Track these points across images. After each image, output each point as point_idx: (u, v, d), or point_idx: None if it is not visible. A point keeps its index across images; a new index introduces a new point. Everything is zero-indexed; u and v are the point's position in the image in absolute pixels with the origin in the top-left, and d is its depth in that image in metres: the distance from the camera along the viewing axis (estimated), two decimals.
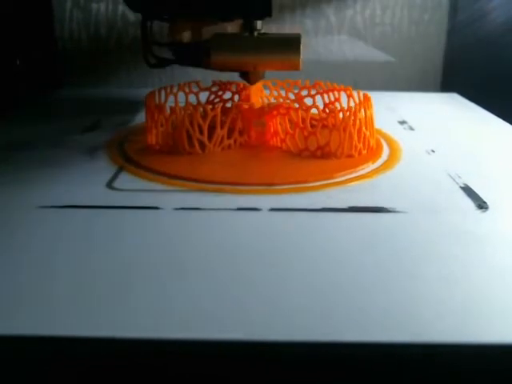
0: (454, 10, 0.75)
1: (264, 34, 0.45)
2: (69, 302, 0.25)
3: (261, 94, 0.48)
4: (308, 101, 0.49)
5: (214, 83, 0.52)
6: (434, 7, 0.75)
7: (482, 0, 0.72)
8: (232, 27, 0.48)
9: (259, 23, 0.45)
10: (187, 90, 0.50)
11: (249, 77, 0.47)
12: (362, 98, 0.46)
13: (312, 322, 0.24)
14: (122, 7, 0.75)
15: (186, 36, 0.48)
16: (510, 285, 0.27)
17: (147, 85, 0.76)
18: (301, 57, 0.44)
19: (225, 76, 0.53)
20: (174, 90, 0.45)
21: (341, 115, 0.42)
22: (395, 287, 0.26)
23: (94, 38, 0.76)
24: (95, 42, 0.76)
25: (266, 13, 0.44)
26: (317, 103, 0.45)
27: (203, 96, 0.52)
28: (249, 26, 0.45)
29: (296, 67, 0.44)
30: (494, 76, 0.69)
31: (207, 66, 0.46)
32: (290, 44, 0.44)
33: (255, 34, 0.45)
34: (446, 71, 0.76)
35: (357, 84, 0.49)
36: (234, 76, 0.49)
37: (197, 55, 0.47)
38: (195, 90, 0.51)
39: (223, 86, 0.51)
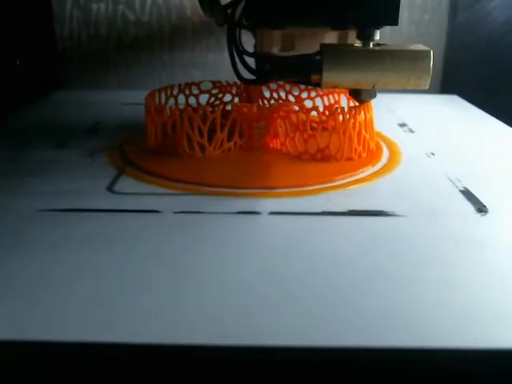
0: (454, 10, 0.75)
1: (382, 45, 0.39)
2: (68, 307, 0.25)
3: (261, 97, 0.48)
4: (308, 103, 0.49)
5: (215, 85, 0.52)
6: (433, 7, 0.75)
7: (482, 0, 0.72)
8: (329, 38, 0.43)
9: (378, 33, 0.39)
10: (187, 93, 0.50)
11: (360, 94, 0.41)
12: None
13: (311, 327, 0.24)
14: (122, 7, 0.74)
15: (278, 47, 0.43)
16: (509, 289, 0.27)
17: (147, 84, 0.76)
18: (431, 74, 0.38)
19: (224, 76, 0.54)
20: (174, 93, 0.45)
21: (340, 118, 0.42)
22: (395, 291, 0.26)
23: (93, 38, 0.76)
24: (95, 42, 0.76)
25: (392, 20, 0.37)
26: (317, 103, 0.45)
27: (203, 97, 0.52)
28: (366, 36, 0.39)
29: (424, 86, 0.39)
30: (494, 76, 0.69)
31: (316, 83, 0.40)
32: (420, 59, 0.38)
33: (371, 45, 0.39)
34: (445, 71, 0.76)
35: None
36: (233, 74, 0.49)
37: (304, 70, 0.40)
38: (195, 91, 0.51)
39: (223, 89, 0.51)
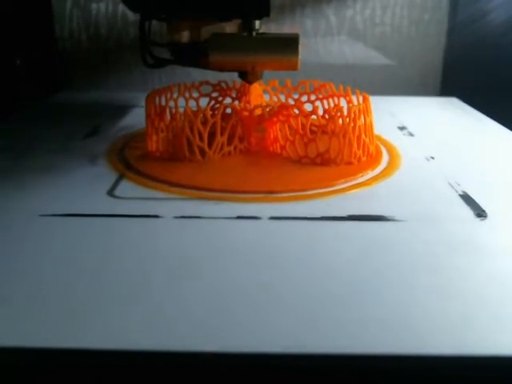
0: (454, 10, 0.75)
1: (262, 33, 0.45)
2: (66, 313, 0.25)
3: (261, 100, 0.48)
4: (308, 106, 0.49)
5: (215, 89, 0.52)
6: (433, 7, 0.75)
7: (482, 0, 0.72)
8: (231, 27, 0.48)
9: (257, 23, 0.45)
10: (187, 96, 0.50)
11: (247, 76, 0.47)
12: (360, 100, 0.46)
13: (307, 333, 0.24)
14: (122, 7, 0.74)
15: (185, 36, 0.48)
16: (508, 296, 0.27)
17: (147, 84, 0.76)
18: (299, 57, 0.44)
19: (224, 76, 0.53)
20: (174, 96, 0.45)
21: (340, 121, 0.42)
22: (394, 298, 0.26)
23: (93, 38, 0.76)
24: (95, 42, 0.76)
25: (264, 12, 0.44)
26: (317, 105, 0.45)
27: (203, 100, 0.52)
28: (247, 26, 0.45)
29: (294, 67, 0.44)
30: (495, 76, 0.69)
31: (206, 66, 0.46)
32: (289, 44, 0.44)
33: (253, 33, 0.45)
34: (445, 71, 0.76)
35: (356, 85, 0.49)
36: (234, 75, 0.49)
37: (195, 55, 0.47)
38: (195, 95, 0.51)
39: (223, 92, 0.51)
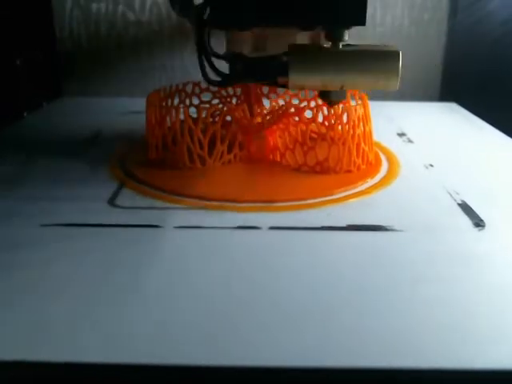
0: (453, 10, 0.75)
1: (351, 45, 0.39)
2: (66, 326, 0.25)
3: (261, 107, 0.48)
4: (308, 112, 0.49)
5: (215, 96, 0.52)
6: (433, 7, 0.75)
7: (482, 0, 0.72)
8: (301, 38, 0.43)
9: (346, 33, 0.38)
10: (188, 103, 0.50)
11: (330, 95, 0.40)
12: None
13: (305, 346, 0.24)
14: (122, 7, 0.74)
15: (249, 47, 0.42)
16: (505, 307, 0.27)
17: (147, 84, 0.76)
18: (399, 75, 0.38)
19: None
20: (175, 102, 0.45)
21: (339, 128, 0.42)
22: (392, 311, 0.27)
23: (94, 38, 0.76)
24: (95, 42, 0.76)
25: (359, 20, 0.36)
26: (318, 109, 0.45)
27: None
28: (333, 37, 0.38)
29: (393, 87, 0.38)
30: (494, 76, 0.69)
31: (284, 84, 0.39)
32: (388, 59, 0.37)
33: (340, 45, 0.38)
34: (446, 71, 0.76)
35: None
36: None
37: (269, 70, 0.40)
38: (195, 101, 0.51)
39: (223, 100, 0.51)
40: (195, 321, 0.26)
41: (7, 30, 0.62)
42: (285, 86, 0.39)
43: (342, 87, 0.38)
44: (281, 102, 0.52)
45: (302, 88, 0.40)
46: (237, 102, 0.51)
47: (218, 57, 0.42)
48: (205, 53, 0.41)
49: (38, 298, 0.27)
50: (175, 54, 0.76)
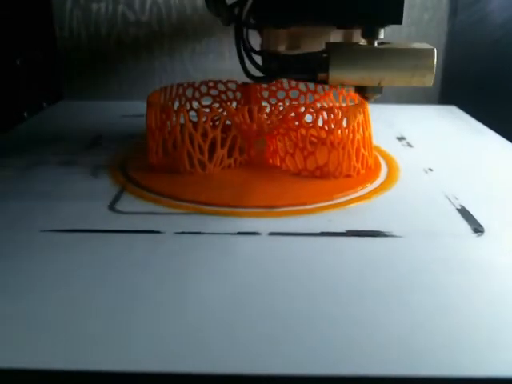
0: (453, 10, 0.75)
1: (386, 43, 0.40)
2: (66, 333, 0.25)
3: (262, 112, 0.48)
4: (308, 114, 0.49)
5: (215, 100, 0.52)
6: (433, 7, 0.75)
7: (482, 0, 0.72)
8: (335, 37, 0.44)
9: (382, 31, 0.40)
10: (188, 107, 0.50)
11: (366, 91, 0.42)
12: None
13: (303, 354, 0.24)
14: (122, 7, 0.74)
15: (285, 45, 0.44)
16: (501, 315, 0.27)
17: (147, 84, 0.76)
18: (434, 71, 0.39)
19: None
20: (175, 106, 0.45)
21: (339, 132, 0.43)
22: (391, 318, 0.27)
23: (93, 38, 0.76)
24: (95, 42, 0.76)
25: (396, 19, 0.38)
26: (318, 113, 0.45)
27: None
28: (370, 35, 0.40)
29: (428, 83, 0.40)
30: (495, 75, 0.69)
31: (323, 80, 0.41)
32: (425, 57, 0.39)
33: (375, 44, 0.40)
34: (446, 71, 0.76)
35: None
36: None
37: (311, 68, 0.41)
38: (195, 104, 0.51)
39: (224, 104, 0.51)
40: (193, 327, 0.26)
41: (7, 30, 0.62)
42: (324, 82, 0.41)
43: (379, 83, 0.40)
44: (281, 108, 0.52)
45: (341, 84, 0.41)
46: (237, 107, 0.51)
47: (256, 53, 0.44)
48: (245, 50, 0.43)
49: (37, 304, 0.28)
50: (175, 54, 0.76)
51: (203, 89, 0.53)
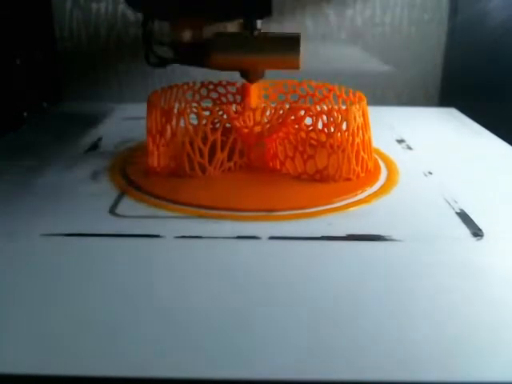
0: (454, 10, 0.75)
1: (264, 33, 0.46)
2: (66, 338, 0.25)
3: (263, 115, 0.48)
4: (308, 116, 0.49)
5: (215, 104, 0.52)
6: (433, 7, 0.75)
7: (482, 0, 0.72)
8: (232, 26, 0.49)
9: (259, 23, 0.46)
10: (188, 111, 0.50)
11: (249, 75, 0.48)
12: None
13: (302, 359, 0.24)
14: (122, 7, 0.74)
15: (187, 35, 0.48)
16: (499, 321, 0.27)
17: (147, 85, 0.76)
18: (300, 56, 0.44)
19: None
20: (175, 110, 0.45)
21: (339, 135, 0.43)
22: (391, 323, 0.27)
23: (94, 38, 0.76)
24: (95, 42, 0.76)
25: (266, 12, 0.45)
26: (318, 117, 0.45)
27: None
28: (249, 26, 0.46)
29: (296, 66, 0.45)
30: (494, 76, 0.69)
31: (208, 65, 0.47)
32: (290, 43, 0.45)
33: (255, 33, 0.46)
34: (445, 71, 0.76)
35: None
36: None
37: (198, 54, 0.47)
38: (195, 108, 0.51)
39: (224, 107, 0.51)
40: (192, 333, 0.26)
41: (7, 30, 0.62)
42: (209, 66, 0.47)
43: (255, 67, 0.47)
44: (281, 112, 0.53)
45: (223, 68, 0.47)
46: (236, 109, 0.50)
47: (160, 43, 0.50)
48: (147, 40, 0.50)
49: (38, 309, 0.28)
50: None
51: (203, 92, 0.53)
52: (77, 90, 0.77)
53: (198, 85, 0.53)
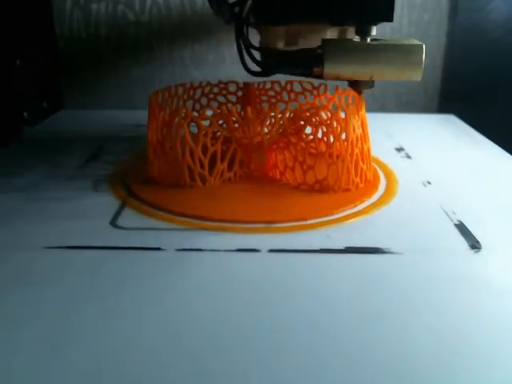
0: (454, 10, 0.75)
1: (378, 39, 0.42)
2: (66, 352, 0.26)
3: (263, 125, 0.48)
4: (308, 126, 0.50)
5: (215, 114, 0.52)
6: (433, 7, 0.75)
7: (482, 0, 0.72)
8: (330, 34, 0.46)
9: (374, 29, 0.42)
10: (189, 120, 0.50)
11: (359, 85, 0.44)
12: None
13: (303, 375, 0.25)
14: (122, 7, 0.74)
15: (281, 43, 0.46)
16: (498, 333, 0.28)
17: (147, 85, 0.77)
18: (423, 66, 0.41)
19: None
20: (176, 120, 0.45)
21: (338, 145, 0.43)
22: (390, 337, 0.27)
23: (94, 38, 0.76)
24: (95, 42, 0.76)
25: (386, 17, 0.40)
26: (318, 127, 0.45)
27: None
28: (363, 32, 0.42)
29: (417, 77, 0.42)
30: (494, 76, 0.70)
31: (318, 75, 0.43)
32: (413, 52, 0.41)
33: (368, 40, 0.42)
34: (445, 71, 0.76)
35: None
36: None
37: (307, 63, 0.43)
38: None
39: (224, 117, 0.51)
40: (192, 346, 0.26)
41: (7, 30, 0.62)
42: (319, 76, 0.43)
43: (371, 77, 0.42)
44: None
45: (336, 78, 0.43)
46: (236, 120, 0.51)
47: (256, 49, 0.46)
48: (245, 46, 0.45)
49: (40, 321, 0.28)
50: (175, 54, 0.76)
51: (204, 101, 0.54)
52: (77, 90, 0.77)
53: (199, 91, 0.53)
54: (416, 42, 0.41)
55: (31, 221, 0.40)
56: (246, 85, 0.55)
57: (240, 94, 0.55)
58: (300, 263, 0.34)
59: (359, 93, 0.45)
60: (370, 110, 0.48)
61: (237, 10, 0.45)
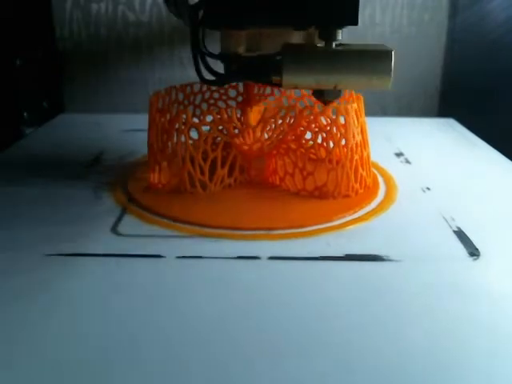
0: (454, 10, 0.75)
1: (343, 45, 0.39)
2: (66, 356, 0.26)
3: (263, 132, 0.48)
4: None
5: (215, 120, 0.52)
6: (433, 7, 0.75)
7: (482, 0, 0.72)
8: (295, 37, 0.43)
9: (340, 33, 0.38)
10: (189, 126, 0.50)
11: (323, 95, 0.40)
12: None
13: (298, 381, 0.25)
14: (122, 7, 0.74)
15: (242, 47, 0.42)
16: (497, 342, 0.28)
17: (147, 85, 0.77)
18: (392, 75, 0.38)
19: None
20: (176, 126, 0.45)
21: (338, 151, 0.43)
22: (389, 345, 0.27)
23: (94, 38, 0.76)
24: (95, 42, 0.76)
25: (350, 19, 0.37)
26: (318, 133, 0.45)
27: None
28: (327, 36, 0.38)
29: (385, 86, 0.38)
30: (494, 76, 0.70)
31: (277, 83, 0.40)
32: (381, 59, 0.38)
33: (333, 45, 0.39)
34: (445, 71, 0.76)
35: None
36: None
37: (265, 71, 0.40)
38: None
39: (224, 124, 0.51)
40: (190, 354, 0.26)
41: (7, 30, 0.62)
42: (278, 85, 0.40)
43: (335, 87, 0.39)
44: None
45: (295, 87, 0.40)
46: (236, 127, 0.50)
47: (213, 56, 0.42)
48: (200, 53, 0.42)
49: (39, 328, 0.28)
50: (175, 54, 0.76)
51: (204, 106, 0.54)
52: (77, 90, 0.77)
53: (199, 97, 0.53)
54: (386, 47, 0.38)
55: (31, 228, 0.40)
56: (246, 90, 0.55)
57: (240, 99, 0.55)
58: (300, 271, 0.35)
59: (324, 103, 0.41)
60: (369, 112, 0.48)
61: (192, 12, 0.41)
